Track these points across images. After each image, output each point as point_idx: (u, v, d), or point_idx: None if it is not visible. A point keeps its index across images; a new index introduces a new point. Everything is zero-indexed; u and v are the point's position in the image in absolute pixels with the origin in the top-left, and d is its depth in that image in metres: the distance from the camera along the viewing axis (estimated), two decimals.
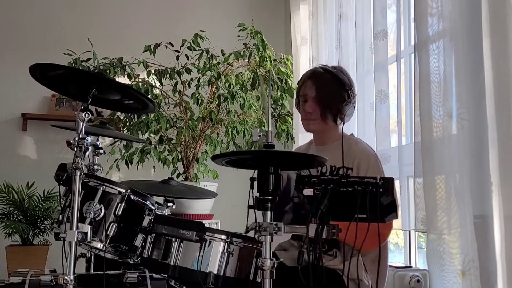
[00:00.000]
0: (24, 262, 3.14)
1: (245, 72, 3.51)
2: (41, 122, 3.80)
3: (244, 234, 1.55)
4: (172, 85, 3.48)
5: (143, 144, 3.36)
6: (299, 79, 2.13)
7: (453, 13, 2.10)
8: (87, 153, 1.58)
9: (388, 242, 2.02)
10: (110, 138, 3.53)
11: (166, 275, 1.73)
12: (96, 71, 3.33)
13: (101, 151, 2.04)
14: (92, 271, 2.16)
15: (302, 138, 3.47)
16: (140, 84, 3.39)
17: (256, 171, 1.43)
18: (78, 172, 1.53)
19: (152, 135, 3.43)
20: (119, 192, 1.66)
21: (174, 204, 1.86)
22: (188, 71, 3.43)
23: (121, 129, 3.48)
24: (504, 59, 1.86)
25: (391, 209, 1.36)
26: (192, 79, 3.49)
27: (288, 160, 1.52)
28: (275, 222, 1.38)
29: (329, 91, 1.98)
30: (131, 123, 3.38)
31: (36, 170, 3.70)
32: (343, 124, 2.00)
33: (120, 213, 1.64)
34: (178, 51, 3.41)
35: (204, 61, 3.44)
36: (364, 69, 2.91)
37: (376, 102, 2.67)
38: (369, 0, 2.88)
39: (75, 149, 1.55)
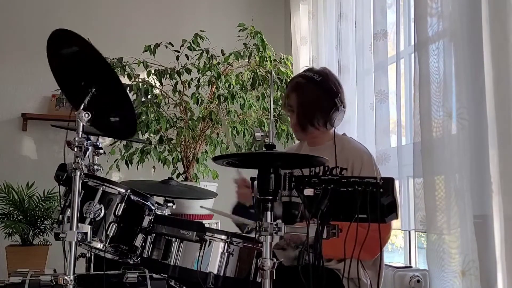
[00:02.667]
0: (24, 262, 3.14)
1: (245, 72, 3.51)
2: (41, 122, 3.80)
3: (244, 234, 1.55)
4: (172, 85, 3.48)
5: (143, 144, 3.36)
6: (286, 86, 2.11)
7: (453, 13, 2.10)
8: (87, 153, 1.57)
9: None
10: (110, 138, 3.53)
11: (166, 275, 1.73)
12: None
13: (101, 151, 2.04)
14: (92, 271, 2.17)
15: None
16: (140, 84, 3.39)
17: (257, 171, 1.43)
18: (78, 172, 1.53)
19: (152, 135, 3.43)
20: (119, 192, 1.66)
21: (174, 204, 1.86)
22: (188, 71, 3.43)
23: None
24: (504, 59, 1.86)
25: (391, 209, 1.36)
26: (192, 79, 3.49)
27: (290, 161, 1.51)
28: (275, 222, 1.38)
29: (312, 106, 1.96)
30: None
31: (36, 170, 3.70)
32: (334, 128, 1.99)
33: (120, 213, 1.64)
34: (178, 51, 3.41)
35: (204, 61, 3.44)
36: (364, 69, 2.90)
37: (376, 102, 2.67)
38: (369, 0, 2.88)
39: (75, 149, 1.55)
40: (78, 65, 1.66)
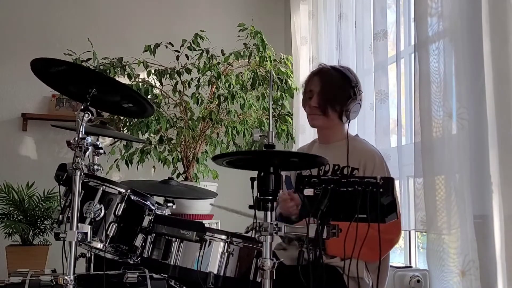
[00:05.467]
0: (24, 262, 3.14)
1: (245, 72, 3.51)
2: (41, 122, 3.80)
3: (244, 234, 1.55)
4: (172, 85, 3.48)
5: (143, 144, 3.36)
6: (306, 77, 2.14)
7: (453, 13, 2.10)
8: (87, 153, 1.57)
9: None
10: (110, 138, 3.53)
11: (166, 275, 1.73)
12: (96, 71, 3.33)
13: (101, 151, 2.03)
14: (92, 271, 2.16)
15: (302, 138, 3.47)
16: (140, 84, 3.39)
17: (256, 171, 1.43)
18: (78, 172, 1.53)
19: (152, 135, 3.43)
20: (119, 192, 1.66)
21: (174, 204, 1.86)
22: (188, 71, 3.43)
23: (121, 129, 3.48)
24: (504, 59, 1.86)
25: (391, 209, 1.36)
26: (192, 79, 3.49)
27: (289, 160, 1.51)
28: (275, 222, 1.38)
29: (334, 87, 2.00)
30: (131, 123, 3.38)
31: (36, 170, 3.70)
32: (349, 121, 2.00)
33: (120, 213, 1.64)
34: (178, 51, 3.41)
35: (204, 61, 3.44)
36: (364, 69, 2.90)
37: (376, 102, 2.67)
38: (369, 0, 2.88)
39: (75, 149, 1.55)
40: (71, 77, 1.67)
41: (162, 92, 3.52)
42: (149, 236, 1.63)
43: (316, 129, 2.13)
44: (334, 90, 1.99)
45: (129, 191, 1.67)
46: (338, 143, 2.01)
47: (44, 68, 1.63)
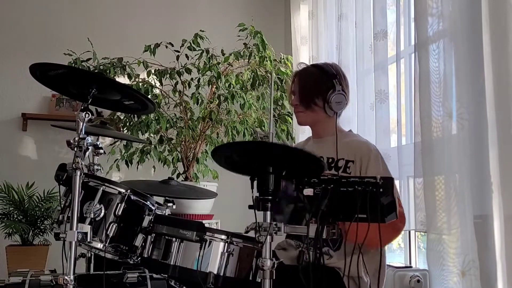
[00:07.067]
0: (24, 262, 3.14)
1: (245, 72, 3.51)
2: (41, 122, 3.80)
3: (244, 234, 1.55)
4: (172, 85, 3.48)
5: (143, 144, 3.36)
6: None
7: (453, 13, 2.10)
8: (87, 153, 1.57)
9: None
10: (110, 138, 3.53)
11: (166, 275, 1.73)
12: (96, 71, 3.33)
13: (101, 151, 2.03)
14: (92, 271, 2.17)
15: (302, 138, 3.46)
16: (140, 84, 3.39)
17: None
18: (78, 172, 1.53)
19: (152, 135, 3.43)
20: (119, 192, 1.66)
21: (174, 204, 1.86)
22: (188, 71, 3.44)
23: (121, 129, 3.48)
24: (504, 59, 1.86)
25: (391, 209, 1.36)
26: (192, 79, 3.49)
27: (288, 157, 1.50)
28: (275, 222, 1.38)
29: (311, 82, 2.02)
30: (131, 123, 3.38)
31: (36, 170, 3.70)
32: (336, 114, 2.00)
33: (120, 213, 1.64)
34: (178, 51, 3.42)
35: (204, 61, 3.44)
36: (364, 69, 2.91)
37: (376, 102, 2.67)
38: (369, 0, 2.88)
39: (75, 149, 1.55)
40: (71, 78, 1.67)
41: (162, 92, 3.53)
42: (149, 236, 1.63)
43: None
44: (312, 84, 2.01)
45: (129, 191, 1.67)
46: (330, 137, 2.01)
47: (43, 72, 1.64)
